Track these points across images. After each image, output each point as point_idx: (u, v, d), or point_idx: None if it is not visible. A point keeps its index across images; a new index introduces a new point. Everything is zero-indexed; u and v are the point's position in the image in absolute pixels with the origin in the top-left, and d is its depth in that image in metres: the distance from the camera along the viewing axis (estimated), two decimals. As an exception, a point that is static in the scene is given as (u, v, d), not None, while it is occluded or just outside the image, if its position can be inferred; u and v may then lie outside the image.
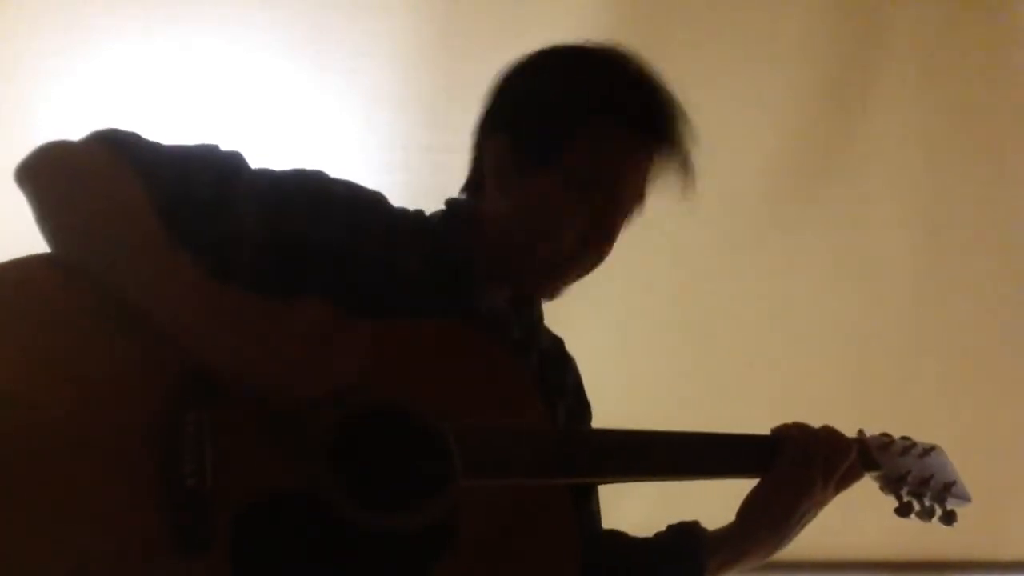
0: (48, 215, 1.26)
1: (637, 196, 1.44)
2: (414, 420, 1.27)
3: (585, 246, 1.43)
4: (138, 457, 1.16)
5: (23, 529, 1.11)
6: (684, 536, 1.51)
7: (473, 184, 1.49)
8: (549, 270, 1.44)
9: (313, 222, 1.35)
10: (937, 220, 2.88)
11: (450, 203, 1.51)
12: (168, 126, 2.32)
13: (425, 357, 1.33)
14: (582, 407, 1.59)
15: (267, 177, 1.38)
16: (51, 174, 1.29)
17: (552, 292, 1.48)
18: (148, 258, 1.23)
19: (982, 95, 2.86)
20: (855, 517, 2.63)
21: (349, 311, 1.28)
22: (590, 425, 1.59)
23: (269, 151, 2.34)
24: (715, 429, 1.50)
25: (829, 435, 1.53)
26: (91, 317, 1.22)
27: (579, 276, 1.47)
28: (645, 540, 1.54)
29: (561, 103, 1.42)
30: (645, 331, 2.72)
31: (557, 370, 1.56)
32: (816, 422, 1.55)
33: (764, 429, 1.55)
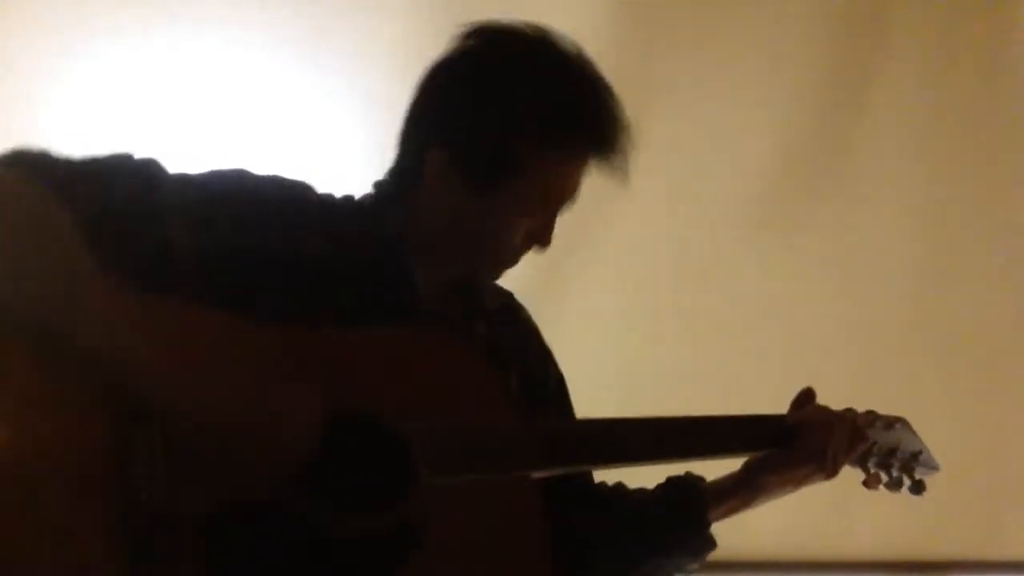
0: None
1: (574, 196, 1.45)
2: (376, 424, 1.27)
3: (526, 249, 1.45)
4: (93, 480, 1.13)
5: None
6: (685, 488, 1.56)
7: (400, 172, 1.46)
8: (487, 269, 1.47)
9: (243, 228, 1.31)
10: (937, 220, 2.88)
11: (379, 186, 1.48)
12: (168, 126, 2.34)
13: (380, 361, 1.32)
14: (544, 355, 1.58)
15: (189, 184, 1.33)
16: None
17: (489, 279, 1.50)
18: (76, 293, 1.16)
19: (982, 95, 2.86)
20: (855, 517, 2.64)
21: (292, 312, 1.27)
22: (556, 367, 1.59)
23: (269, 151, 2.36)
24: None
25: (842, 417, 1.59)
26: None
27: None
28: (646, 494, 1.57)
29: (504, 125, 1.38)
30: (645, 330, 2.72)
31: (508, 327, 1.55)
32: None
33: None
